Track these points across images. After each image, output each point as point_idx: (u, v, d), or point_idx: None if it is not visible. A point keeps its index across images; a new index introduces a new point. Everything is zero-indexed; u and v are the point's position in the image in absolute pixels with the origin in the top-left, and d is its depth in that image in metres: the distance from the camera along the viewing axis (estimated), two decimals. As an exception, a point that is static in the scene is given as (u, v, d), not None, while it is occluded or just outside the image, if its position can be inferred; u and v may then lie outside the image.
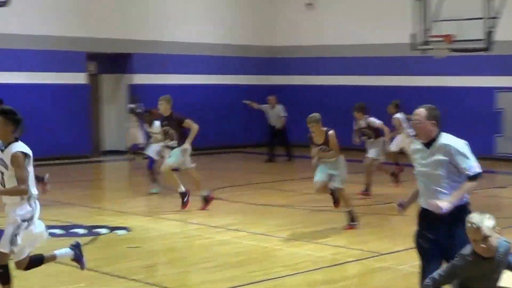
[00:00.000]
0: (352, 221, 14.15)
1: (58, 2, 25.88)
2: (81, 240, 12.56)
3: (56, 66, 25.75)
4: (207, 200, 16.03)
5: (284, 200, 17.72)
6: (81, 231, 13.68)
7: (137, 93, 25.73)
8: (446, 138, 7.76)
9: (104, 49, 27.31)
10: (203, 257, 11.77)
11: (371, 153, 18.10)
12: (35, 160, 8.49)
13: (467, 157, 7.70)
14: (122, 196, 19.10)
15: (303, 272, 10.99)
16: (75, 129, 26.01)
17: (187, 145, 15.82)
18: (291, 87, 30.68)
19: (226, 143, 29.32)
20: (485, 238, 6.27)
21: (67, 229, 13.79)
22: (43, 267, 9.39)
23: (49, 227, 13.56)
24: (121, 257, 11.83)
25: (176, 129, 15.87)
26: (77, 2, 26.41)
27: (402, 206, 7.99)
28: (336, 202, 14.65)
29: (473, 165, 7.68)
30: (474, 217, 6.42)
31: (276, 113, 25.41)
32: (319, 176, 14.17)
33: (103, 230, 13.69)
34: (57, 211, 15.50)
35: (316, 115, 14.28)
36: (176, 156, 15.92)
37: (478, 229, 6.29)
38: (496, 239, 6.36)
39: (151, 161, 18.27)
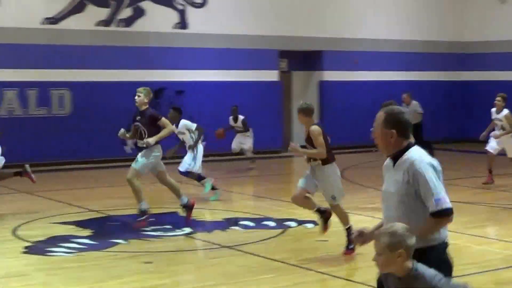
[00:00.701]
0: (349, 244, 11.34)
1: (252, 3, 26.68)
2: (271, 233, 13.13)
3: (251, 64, 26.56)
4: (188, 207, 14.23)
5: (472, 197, 17.30)
6: (271, 223, 13.99)
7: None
8: (413, 154, 5.73)
9: (295, 47, 27.91)
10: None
11: None
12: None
13: (431, 186, 5.57)
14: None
15: (491, 270, 10.78)
16: (268, 124, 26.48)
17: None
18: (483, 82, 30.20)
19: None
20: (378, 253, 5.23)
21: (258, 222, 14.15)
22: (227, 260, 9.93)
23: (241, 219, 14.16)
24: (309, 250, 12.02)
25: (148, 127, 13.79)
26: (270, 3, 27.08)
27: (361, 236, 6.04)
28: (324, 224, 11.63)
29: (439, 197, 5.56)
30: (384, 227, 5.42)
31: (413, 109, 24.76)
32: (301, 181, 11.65)
33: (292, 223, 13.93)
34: (249, 204, 16.04)
35: (303, 103, 11.70)
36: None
37: (376, 240, 5.30)
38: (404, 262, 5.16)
39: None
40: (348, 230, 11.31)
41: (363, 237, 6.03)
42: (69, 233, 13.30)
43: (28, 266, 10.90)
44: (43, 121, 23.17)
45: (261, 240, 12.56)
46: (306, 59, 28.82)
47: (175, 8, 25.84)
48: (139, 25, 25.22)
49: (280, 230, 13.45)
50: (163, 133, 13.73)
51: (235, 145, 22.98)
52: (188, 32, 25.98)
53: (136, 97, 14.03)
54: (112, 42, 24.53)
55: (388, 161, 5.93)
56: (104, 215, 14.92)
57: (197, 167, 16.95)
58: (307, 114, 11.48)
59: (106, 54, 24.28)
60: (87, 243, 12.46)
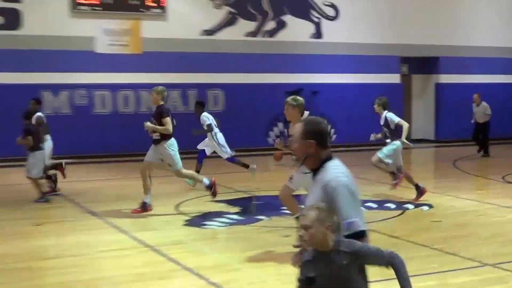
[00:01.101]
0: None
1: (377, 16, 26.65)
2: (391, 214, 13.04)
3: (376, 69, 26.51)
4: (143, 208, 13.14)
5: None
6: (392, 205, 13.88)
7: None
8: (329, 172, 4.84)
9: (415, 53, 27.69)
10: (496, 233, 11.50)
11: None
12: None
13: (343, 209, 4.72)
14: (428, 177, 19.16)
15: None
16: (390, 121, 26.43)
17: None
18: None
19: None
20: (306, 227, 4.51)
21: (381, 204, 14.04)
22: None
23: (365, 201, 14.13)
24: (424, 229, 11.87)
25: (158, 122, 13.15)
26: (393, 16, 26.95)
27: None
28: None
29: (351, 220, 4.75)
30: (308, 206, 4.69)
31: (482, 110, 23.75)
32: (290, 180, 10.18)
33: (410, 206, 13.81)
34: (372, 189, 15.97)
35: (294, 96, 10.39)
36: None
37: (303, 217, 4.57)
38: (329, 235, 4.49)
39: None
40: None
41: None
42: (221, 209, 13.58)
43: (187, 236, 11.18)
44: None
45: (382, 220, 12.51)
46: (424, 64, 28.51)
47: (311, 21, 26.00)
48: (281, 36, 25.48)
49: (399, 211, 13.36)
50: (158, 128, 12.95)
51: None
52: (322, 41, 26.11)
53: (151, 96, 13.75)
54: (258, 50, 24.81)
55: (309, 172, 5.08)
56: (249, 195, 15.12)
57: (229, 152, 17.19)
58: (300, 109, 10.07)
59: (253, 60, 24.58)
60: (235, 219, 12.68)
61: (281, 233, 11.37)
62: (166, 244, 10.50)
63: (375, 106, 15.23)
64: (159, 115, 13.04)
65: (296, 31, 25.71)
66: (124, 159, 21.54)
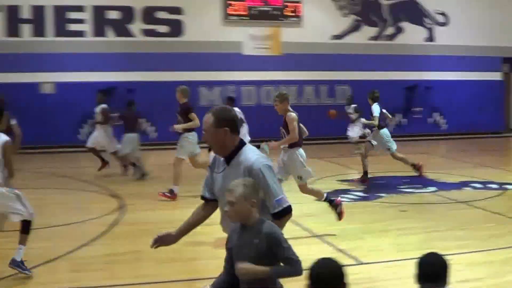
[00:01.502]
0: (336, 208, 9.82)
1: (482, 22, 25.82)
2: (493, 193, 12.73)
3: (481, 67, 25.81)
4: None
5: None
6: (494, 186, 13.55)
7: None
8: (249, 155, 4.54)
9: (515, 54, 26.73)
10: None
11: None
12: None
13: (271, 188, 4.49)
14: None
15: None
16: (491, 113, 25.91)
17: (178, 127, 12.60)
18: None
19: None
20: (232, 203, 4.19)
21: (485, 184, 13.74)
22: (461, 212, 9.74)
23: (470, 182, 13.85)
24: (523, 207, 11.58)
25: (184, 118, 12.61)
26: (497, 21, 26.03)
27: (158, 241, 5.08)
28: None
29: (279, 197, 4.53)
30: (236, 181, 4.28)
31: None
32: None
33: (510, 187, 13.47)
34: (477, 171, 15.66)
35: (281, 91, 10.48)
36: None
37: (229, 192, 4.21)
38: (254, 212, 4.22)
39: None
40: (327, 200, 9.82)
41: (158, 242, 5.08)
42: (348, 187, 13.67)
43: (319, 210, 11.25)
44: (329, 108, 23.69)
45: (485, 198, 12.24)
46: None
47: (425, 27, 25.56)
48: (399, 39, 25.17)
49: (500, 191, 13.03)
50: (187, 124, 12.44)
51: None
52: (434, 44, 25.58)
53: (176, 94, 12.92)
54: (380, 52, 24.59)
55: (218, 158, 4.75)
56: (372, 176, 15.12)
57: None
58: (286, 101, 9.81)
59: (375, 60, 24.39)
60: (360, 196, 12.75)
61: (399, 208, 11.38)
62: (301, 215, 10.61)
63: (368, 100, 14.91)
64: (184, 111, 12.56)
65: (412, 35, 25.33)
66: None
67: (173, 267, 7.91)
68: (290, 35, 23.23)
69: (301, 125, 9.96)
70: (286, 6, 23.23)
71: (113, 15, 21.89)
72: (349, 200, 12.20)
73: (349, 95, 21.13)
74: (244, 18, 22.84)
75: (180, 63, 22.13)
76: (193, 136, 12.66)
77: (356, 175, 15.26)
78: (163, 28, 22.24)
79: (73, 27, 21.59)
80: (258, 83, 23.06)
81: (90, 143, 16.16)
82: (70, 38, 21.56)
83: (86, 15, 21.72)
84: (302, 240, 9.12)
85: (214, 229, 9.61)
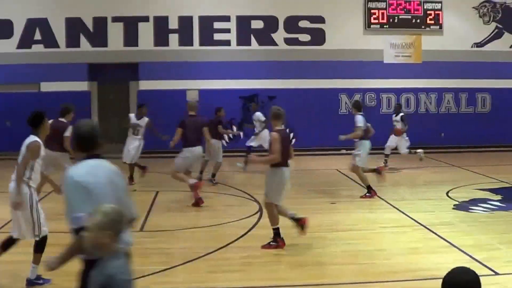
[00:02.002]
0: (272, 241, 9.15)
1: None
2: None
3: None
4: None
5: None
6: None
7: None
8: (72, 169, 4.61)
9: None
10: None
11: None
12: None
13: (71, 203, 4.42)
14: None
15: None
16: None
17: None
18: None
19: None
20: (89, 229, 4.00)
21: None
22: None
23: None
24: None
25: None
26: None
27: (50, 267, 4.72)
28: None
29: (78, 215, 4.30)
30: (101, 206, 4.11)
31: None
32: None
33: None
34: None
35: (272, 108, 9.57)
36: None
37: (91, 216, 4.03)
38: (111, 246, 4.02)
39: None
40: (274, 229, 9.18)
41: (52, 266, 4.78)
42: (485, 196, 13.14)
43: (455, 218, 10.99)
44: (470, 116, 23.02)
45: None
46: None
47: None
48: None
49: None
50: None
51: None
52: None
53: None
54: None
55: None
56: (511, 185, 14.48)
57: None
58: (272, 118, 9.43)
59: None
60: (498, 205, 12.23)
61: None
62: (437, 224, 10.42)
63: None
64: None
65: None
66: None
67: (308, 271, 7.96)
68: (430, 43, 22.70)
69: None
70: (427, 14, 22.75)
71: (257, 24, 22.29)
72: (486, 210, 11.76)
73: (397, 104, 19.97)
74: (385, 26, 22.58)
75: (322, 71, 22.20)
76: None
77: (495, 183, 14.68)
78: (305, 37, 22.39)
79: (219, 36, 22.18)
80: (398, 91, 22.69)
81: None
82: (215, 47, 22.17)
83: (231, 25, 22.26)
84: (437, 249, 8.93)
85: (345, 235, 9.64)
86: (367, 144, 13.64)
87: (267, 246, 9.08)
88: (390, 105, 22.67)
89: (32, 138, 7.42)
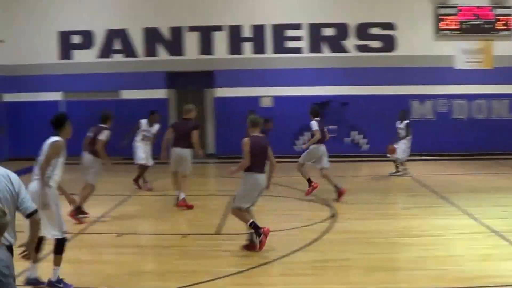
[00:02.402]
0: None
1: None
2: None
3: None
4: None
5: None
6: None
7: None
8: None
9: None
10: None
11: None
12: None
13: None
14: None
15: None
16: None
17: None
18: None
19: None
20: None
21: None
22: None
23: None
24: None
25: None
26: None
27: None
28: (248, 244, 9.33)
29: None
30: None
31: None
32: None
33: None
34: None
35: (250, 116, 9.78)
36: None
37: None
38: None
39: None
40: (252, 227, 9.22)
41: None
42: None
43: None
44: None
45: None
46: None
47: None
48: None
49: None
50: None
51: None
52: None
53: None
54: None
55: None
56: None
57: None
58: (249, 126, 9.59)
59: None
60: None
61: None
62: (510, 231, 10.23)
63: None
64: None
65: None
66: (477, 157, 21.07)
67: (380, 277, 8.00)
68: (502, 48, 22.23)
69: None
70: (498, 20, 22.29)
71: (329, 32, 22.33)
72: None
73: (402, 110, 18.79)
74: (455, 32, 22.26)
75: (392, 78, 22.06)
76: None
77: None
78: (376, 44, 22.30)
79: (291, 44, 22.34)
80: (470, 97, 22.32)
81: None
82: (287, 54, 22.34)
83: (303, 33, 22.38)
84: (510, 256, 8.82)
85: (417, 241, 9.62)
86: (322, 148, 14.05)
87: (252, 246, 9.22)
88: (462, 111, 22.36)
89: (55, 138, 7.60)
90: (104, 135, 12.01)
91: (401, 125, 17.92)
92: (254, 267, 8.39)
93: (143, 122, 15.82)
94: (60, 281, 7.53)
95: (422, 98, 22.13)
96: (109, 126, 12.31)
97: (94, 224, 11.33)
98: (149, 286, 7.87)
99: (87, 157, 12.07)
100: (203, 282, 7.73)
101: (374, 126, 21.86)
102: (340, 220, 11.48)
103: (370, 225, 11.02)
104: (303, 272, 8.34)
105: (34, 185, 7.45)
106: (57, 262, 7.52)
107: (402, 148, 17.52)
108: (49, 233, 7.47)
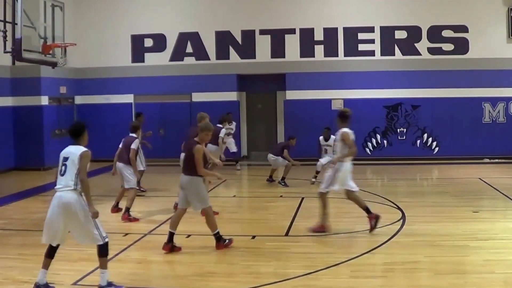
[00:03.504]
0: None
1: None
2: None
3: None
4: None
5: None
6: None
7: None
8: None
9: None
10: None
11: None
12: None
13: None
14: None
15: None
16: None
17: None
18: None
19: None
20: None
21: None
22: None
23: None
24: None
25: None
26: None
27: None
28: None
29: None
30: None
31: None
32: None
33: None
34: None
35: (204, 122, 10.00)
36: None
37: None
38: None
39: None
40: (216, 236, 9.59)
41: None
42: None
43: None
44: None
45: None
46: None
47: None
48: None
49: None
50: None
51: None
52: None
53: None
54: None
55: None
56: None
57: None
58: (200, 131, 9.59)
59: None
60: None
61: None
62: None
63: None
64: None
65: None
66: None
67: (450, 280, 7.93)
68: None
69: None
70: None
71: (401, 34, 22.12)
72: None
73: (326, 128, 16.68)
74: (529, 34, 21.72)
75: (465, 80, 21.69)
76: None
77: None
78: (448, 46, 21.95)
79: (363, 47, 22.23)
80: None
81: None
82: (360, 57, 22.24)
83: (375, 36, 22.25)
84: None
85: (487, 244, 9.48)
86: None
87: (222, 245, 9.55)
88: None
89: (81, 148, 7.44)
90: (135, 144, 12.52)
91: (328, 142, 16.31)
92: (322, 269, 8.44)
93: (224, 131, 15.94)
94: (110, 283, 7.53)
95: (494, 100, 21.69)
96: (138, 135, 12.95)
97: (163, 225, 11.59)
98: (217, 287, 8.03)
99: (119, 165, 12.49)
100: (271, 283, 7.83)
101: (445, 129, 21.58)
102: (409, 222, 11.40)
103: (439, 228, 10.91)
104: (372, 274, 8.35)
105: (70, 195, 7.31)
106: (103, 265, 7.50)
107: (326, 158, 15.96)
108: (87, 240, 7.46)
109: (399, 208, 12.76)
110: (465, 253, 9.26)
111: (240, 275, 8.34)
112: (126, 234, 10.77)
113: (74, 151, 7.39)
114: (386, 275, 8.32)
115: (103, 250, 7.42)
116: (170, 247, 9.43)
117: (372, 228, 10.53)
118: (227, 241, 9.63)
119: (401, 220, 11.60)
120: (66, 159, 7.39)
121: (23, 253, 9.51)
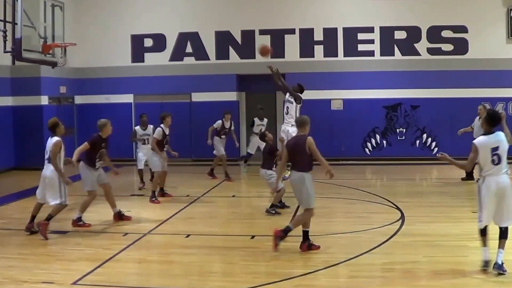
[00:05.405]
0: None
1: None
2: None
3: None
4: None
5: None
6: None
7: None
8: None
9: None
10: None
11: None
12: None
13: None
14: None
15: None
16: None
17: None
18: None
19: None
20: None
21: None
22: None
23: None
24: None
25: None
26: None
27: None
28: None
29: None
30: None
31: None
32: None
33: None
34: None
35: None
36: None
37: None
38: None
39: None
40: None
41: None
42: None
43: None
44: None
45: None
46: None
47: None
48: None
49: None
50: None
51: None
52: None
53: None
54: None
55: None
56: None
57: None
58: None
59: None
60: None
61: None
62: None
63: None
64: None
65: None
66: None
67: (449, 280, 7.94)
68: None
69: None
70: None
71: (401, 35, 22.13)
72: None
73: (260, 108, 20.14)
74: (527, 34, 21.74)
75: (464, 81, 21.70)
76: None
77: None
78: (447, 47, 21.96)
79: (362, 47, 22.23)
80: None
81: None
82: (359, 57, 22.24)
83: (375, 36, 22.26)
84: None
85: (491, 244, 9.45)
86: None
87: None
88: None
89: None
90: (156, 134, 14.18)
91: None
92: (321, 269, 8.45)
93: (137, 129, 16.34)
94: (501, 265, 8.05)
95: (493, 101, 21.65)
96: (165, 126, 14.25)
97: (163, 224, 11.59)
98: (216, 287, 8.03)
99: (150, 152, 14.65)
100: (271, 283, 7.84)
101: (445, 129, 21.57)
102: (408, 223, 11.41)
103: (438, 228, 10.92)
104: (371, 274, 8.35)
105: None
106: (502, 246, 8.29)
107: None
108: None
109: (398, 208, 12.76)
110: (464, 253, 9.27)
111: (240, 275, 8.35)
112: (126, 234, 10.78)
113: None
114: (385, 275, 8.33)
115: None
116: (307, 245, 9.40)
117: None
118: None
119: (400, 220, 11.61)
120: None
121: (23, 253, 9.51)
